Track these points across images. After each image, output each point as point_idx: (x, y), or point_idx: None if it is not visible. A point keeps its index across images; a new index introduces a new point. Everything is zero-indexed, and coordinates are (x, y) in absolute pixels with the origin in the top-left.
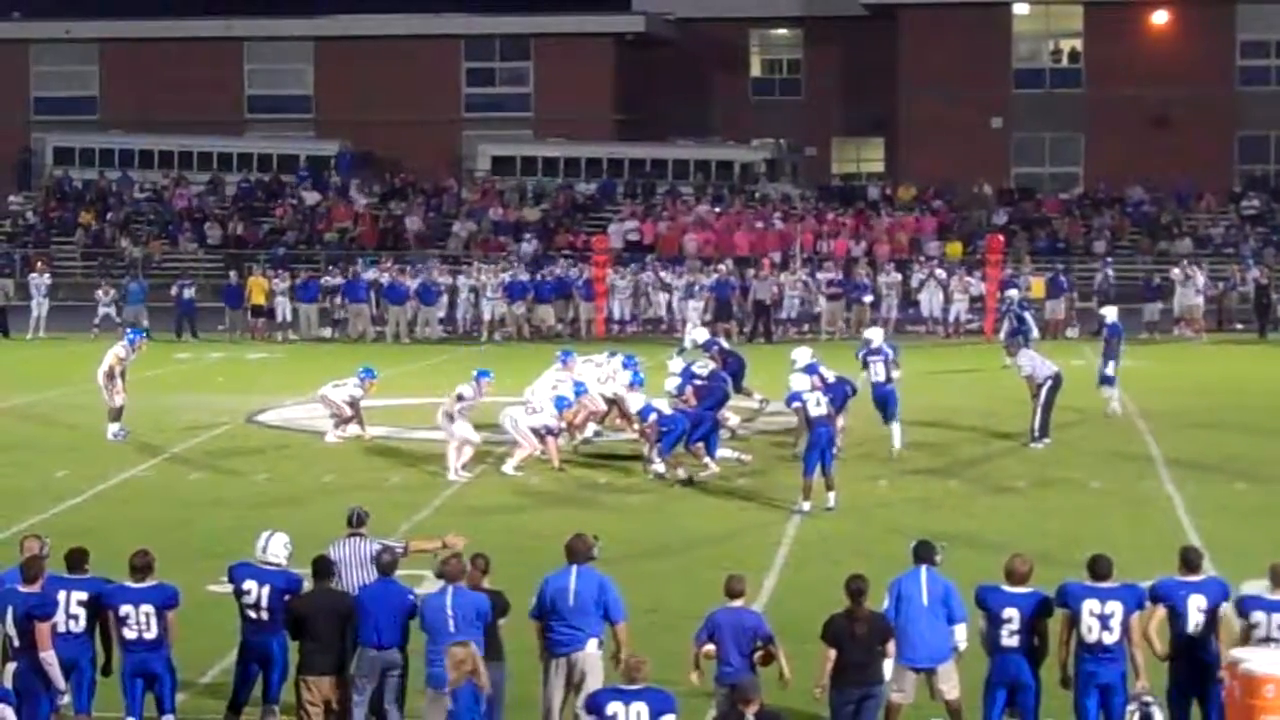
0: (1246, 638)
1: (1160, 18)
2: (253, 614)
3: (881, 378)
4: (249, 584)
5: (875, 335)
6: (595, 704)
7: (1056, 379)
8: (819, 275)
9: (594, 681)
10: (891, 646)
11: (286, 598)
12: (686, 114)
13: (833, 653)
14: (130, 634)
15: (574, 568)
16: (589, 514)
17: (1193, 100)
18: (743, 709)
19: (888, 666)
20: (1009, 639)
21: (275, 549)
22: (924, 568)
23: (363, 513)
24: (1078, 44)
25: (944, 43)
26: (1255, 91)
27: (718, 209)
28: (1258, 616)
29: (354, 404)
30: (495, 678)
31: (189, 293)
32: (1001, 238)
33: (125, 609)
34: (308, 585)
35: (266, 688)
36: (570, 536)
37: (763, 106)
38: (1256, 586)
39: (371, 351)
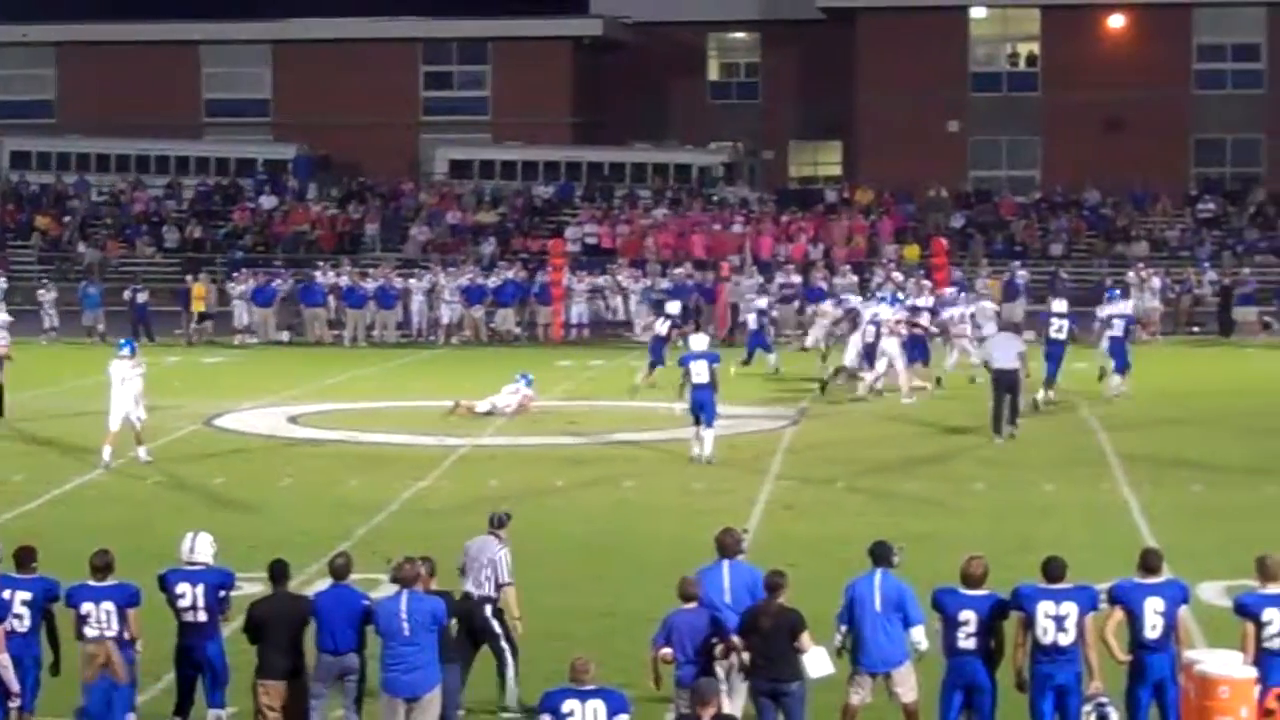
0: (1259, 640)
1: (1117, 21)
2: (189, 617)
3: (704, 380)
4: (182, 587)
5: (698, 341)
6: (550, 703)
7: (1000, 374)
8: (777, 278)
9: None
10: (806, 642)
11: (222, 594)
12: (644, 117)
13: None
14: (91, 632)
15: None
16: (544, 516)
17: (1149, 103)
18: (701, 711)
19: (814, 664)
20: (965, 641)
21: (202, 549)
22: (879, 571)
23: (504, 516)
24: (1035, 48)
25: (901, 46)
26: (1211, 95)
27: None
28: (1269, 614)
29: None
30: (450, 681)
31: (142, 297)
32: (945, 241)
33: (86, 607)
34: (262, 589)
35: (207, 694)
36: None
37: (720, 110)
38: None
39: (329, 355)
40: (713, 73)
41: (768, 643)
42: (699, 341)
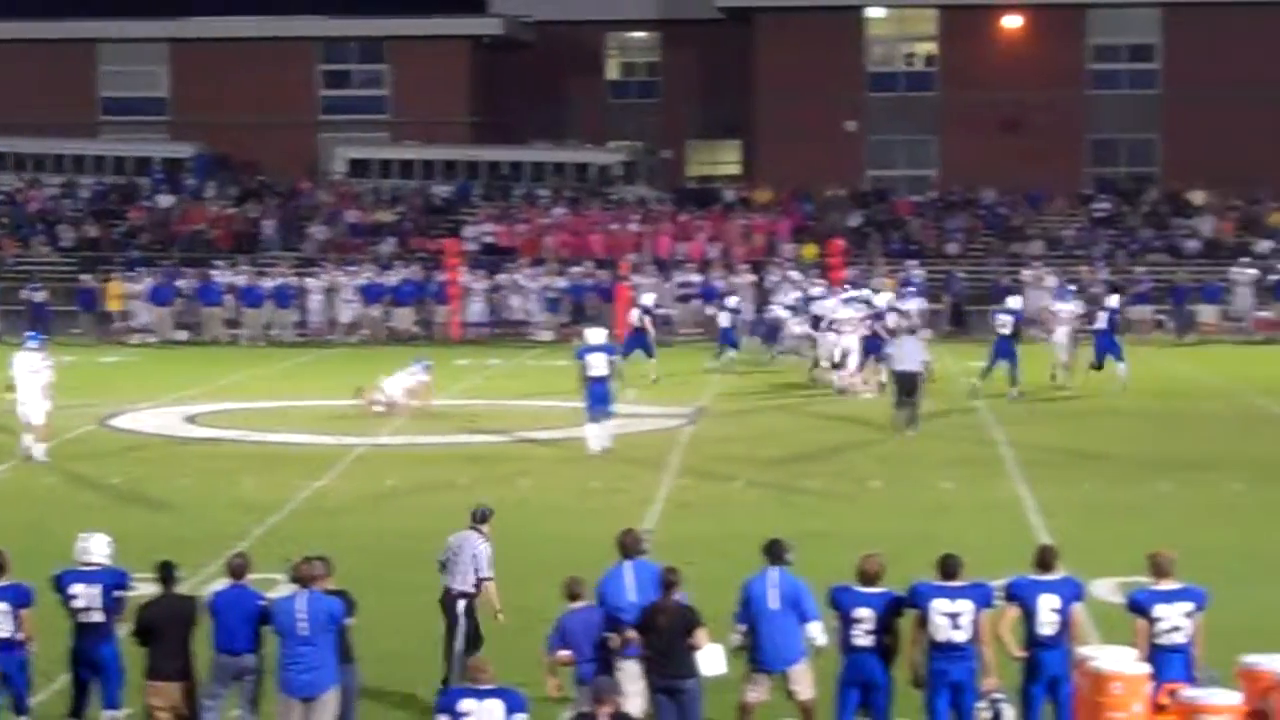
0: (1151, 636)
1: (1013, 22)
2: (84, 617)
3: (602, 373)
4: (77, 588)
5: (596, 335)
6: (447, 701)
7: (901, 376)
8: (675, 277)
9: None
10: (701, 639)
11: (117, 594)
12: (543, 117)
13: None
14: None
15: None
16: (442, 516)
17: (1045, 103)
18: (599, 710)
19: (708, 662)
20: (861, 639)
21: (97, 549)
22: (775, 569)
23: (486, 510)
24: (932, 48)
25: (799, 46)
26: (1105, 95)
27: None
28: (1160, 611)
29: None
30: (347, 681)
31: (40, 296)
32: (841, 241)
33: None
34: (152, 590)
35: (103, 695)
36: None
37: (619, 109)
38: (1109, 585)
39: (227, 355)
40: (612, 72)
41: (664, 640)
42: (597, 335)
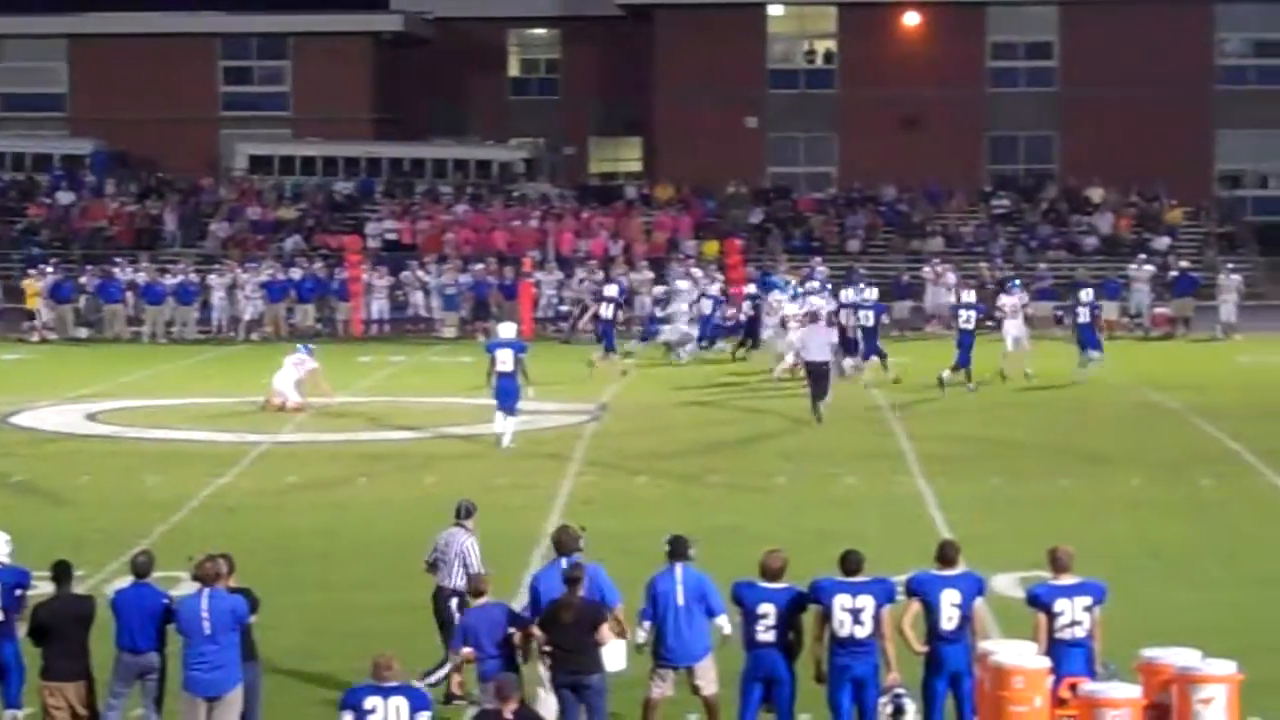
0: (1051, 630)
1: (912, 19)
2: None
3: (509, 368)
4: None
5: (506, 330)
6: (352, 699)
7: (809, 365)
8: (577, 274)
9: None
10: (606, 635)
11: (18, 592)
12: (445, 114)
13: (539, 634)
14: None
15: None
16: (346, 513)
17: (944, 101)
18: (502, 706)
19: (611, 658)
20: (764, 634)
21: None
22: (679, 565)
23: (470, 505)
24: (832, 45)
25: (700, 43)
26: (1004, 93)
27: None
28: (1060, 605)
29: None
30: (249, 679)
31: None
32: (739, 241)
33: None
34: (48, 589)
35: (4, 694)
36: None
37: (521, 106)
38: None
39: (128, 352)
40: (513, 69)
41: (569, 635)
42: (506, 330)
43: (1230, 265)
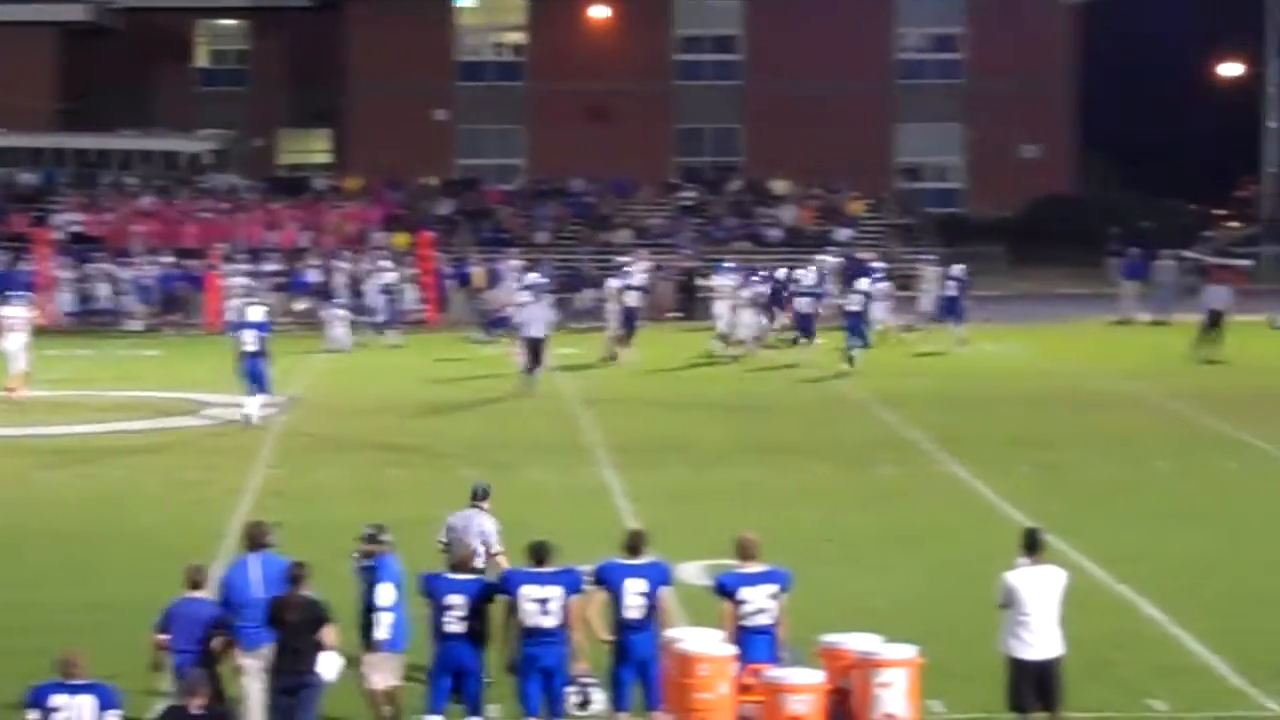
0: (737, 618)
1: (600, 12)
2: None
3: (253, 348)
4: None
5: (254, 312)
6: (38, 697)
7: (528, 340)
8: (265, 267)
9: None
10: (330, 635)
11: None
12: (132, 104)
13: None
14: None
15: None
16: (28, 509)
17: (632, 94)
18: (188, 701)
19: (325, 666)
20: (454, 625)
21: None
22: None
23: (486, 487)
24: (521, 37)
25: (390, 35)
26: (691, 85)
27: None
28: (745, 593)
29: None
30: None
31: None
32: (430, 233)
33: None
34: None
35: None
36: None
37: (209, 97)
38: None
39: None
40: (202, 59)
41: (293, 635)
42: (255, 313)
43: (934, 257)
